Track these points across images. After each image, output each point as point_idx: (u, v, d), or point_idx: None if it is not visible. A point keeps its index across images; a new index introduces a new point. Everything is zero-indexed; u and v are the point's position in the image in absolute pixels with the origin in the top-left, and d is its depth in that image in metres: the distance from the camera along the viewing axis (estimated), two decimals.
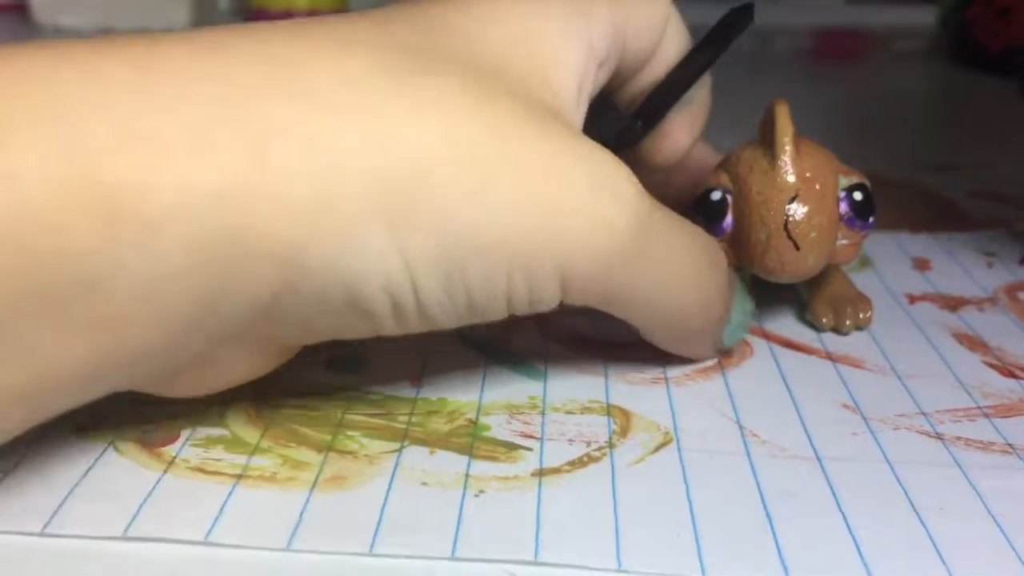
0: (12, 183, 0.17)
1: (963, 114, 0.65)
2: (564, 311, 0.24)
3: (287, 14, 0.85)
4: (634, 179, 0.23)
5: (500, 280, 0.21)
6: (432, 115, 0.20)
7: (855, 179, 0.29)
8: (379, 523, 0.21)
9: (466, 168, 0.20)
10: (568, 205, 0.21)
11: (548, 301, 0.22)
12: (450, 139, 0.20)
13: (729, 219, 0.28)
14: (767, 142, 0.28)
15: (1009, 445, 0.24)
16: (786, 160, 0.28)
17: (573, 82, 0.24)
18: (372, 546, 0.20)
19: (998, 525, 0.21)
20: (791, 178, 0.28)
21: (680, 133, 0.29)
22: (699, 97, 0.29)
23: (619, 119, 0.29)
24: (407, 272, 0.20)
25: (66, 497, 0.21)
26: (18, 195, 0.17)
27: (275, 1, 0.84)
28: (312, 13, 0.84)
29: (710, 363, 0.28)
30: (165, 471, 0.22)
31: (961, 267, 0.36)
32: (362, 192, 0.19)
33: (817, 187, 0.28)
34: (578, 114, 0.24)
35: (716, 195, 0.29)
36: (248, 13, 0.88)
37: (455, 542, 0.20)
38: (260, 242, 0.19)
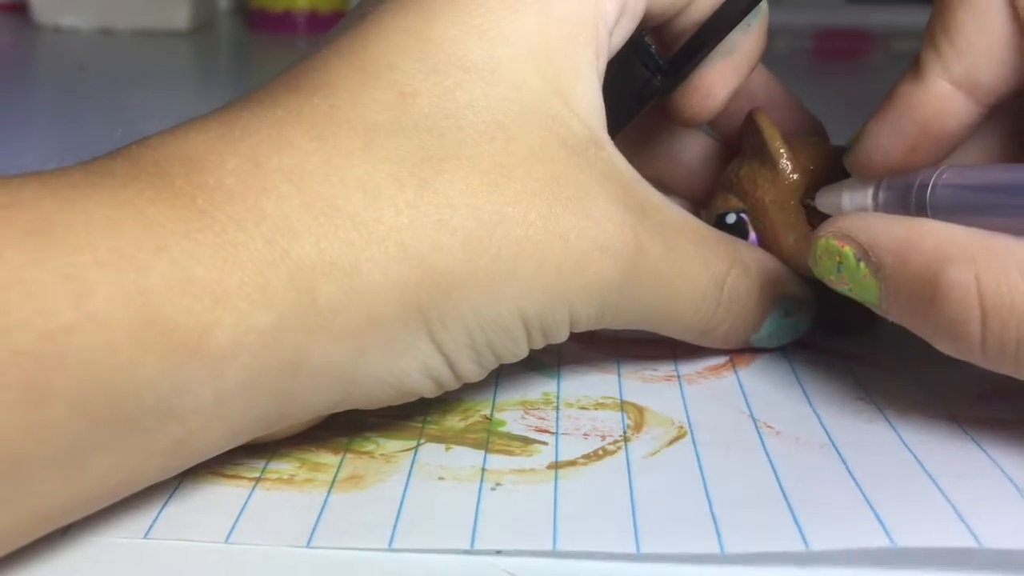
0: (99, 326, 0.18)
1: None
2: None
3: (287, 14, 0.85)
4: (627, 214, 0.23)
5: (522, 339, 0.23)
6: (447, 220, 0.21)
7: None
8: (397, 518, 0.21)
9: (485, 266, 0.21)
10: (569, 266, 0.22)
11: (560, 339, 0.23)
12: (467, 243, 0.21)
13: (753, 236, 0.29)
14: (759, 152, 0.28)
15: None
16: (785, 162, 0.28)
17: (590, 80, 0.23)
18: (391, 541, 0.20)
19: (1016, 486, 0.21)
20: (796, 175, 0.28)
21: (715, 85, 0.27)
22: (744, 44, 0.27)
23: (646, 68, 0.27)
24: (444, 359, 0.22)
25: None
26: (105, 338, 0.18)
27: (275, 1, 0.85)
28: (312, 15, 0.85)
29: (722, 361, 0.28)
30: (184, 475, 0.22)
31: None
32: (399, 308, 0.21)
33: (824, 173, 0.28)
34: (597, 103, 0.24)
35: (731, 218, 0.29)
36: (249, 14, 0.88)
37: (473, 534, 0.20)
38: (316, 367, 0.20)
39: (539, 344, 0.23)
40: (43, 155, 0.51)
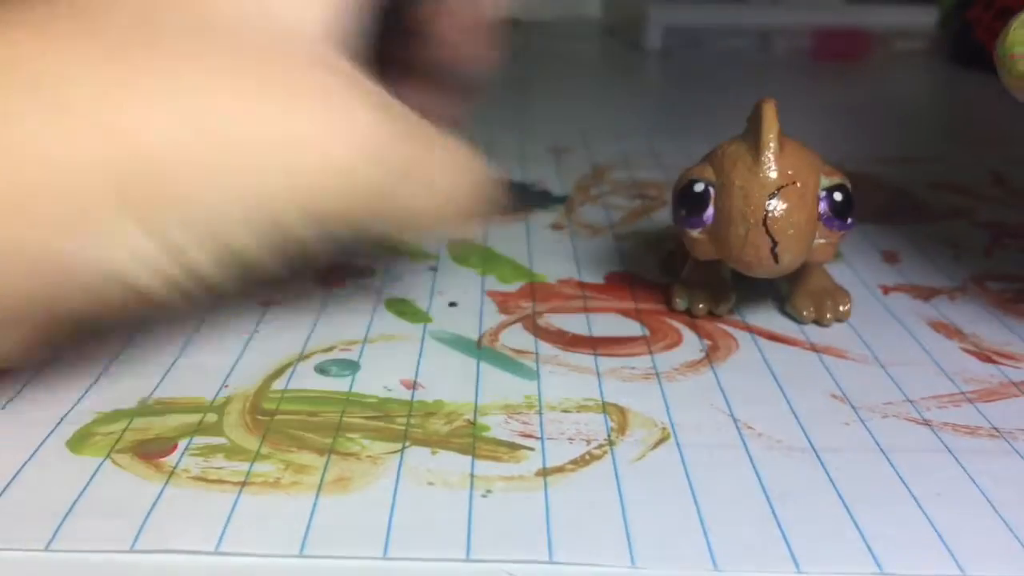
0: None
1: (964, 113, 0.67)
2: None
3: None
4: (375, 110, 0.23)
5: (254, 232, 0.22)
6: (162, 102, 0.21)
7: (836, 179, 0.29)
8: (390, 525, 0.21)
9: (204, 154, 0.21)
10: (307, 157, 0.22)
11: (303, 235, 0.23)
12: (184, 128, 0.21)
13: (710, 211, 0.29)
14: (753, 139, 0.28)
15: (996, 429, 0.25)
16: (769, 156, 0.28)
17: None
18: (386, 550, 0.20)
19: (994, 508, 0.22)
20: (773, 175, 0.28)
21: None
22: None
23: None
24: (164, 248, 0.21)
25: (67, 513, 0.21)
26: None
27: None
28: None
29: (699, 357, 0.29)
30: (166, 482, 0.22)
31: (928, 257, 0.37)
32: (105, 190, 0.20)
33: (798, 185, 0.28)
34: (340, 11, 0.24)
35: (699, 187, 0.29)
36: None
37: (468, 544, 0.20)
38: (13, 250, 0.20)
39: (284, 242, 0.23)
40: None
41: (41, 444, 0.23)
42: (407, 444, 0.24)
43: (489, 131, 0.54)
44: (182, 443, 0.24)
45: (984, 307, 0.33)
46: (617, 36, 0.91)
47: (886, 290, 0.34)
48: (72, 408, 0.25)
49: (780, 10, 0.84)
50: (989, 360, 0.29)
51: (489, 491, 0.22)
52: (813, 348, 0.29)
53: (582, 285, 0.34)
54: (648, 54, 0.82)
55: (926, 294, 0.34)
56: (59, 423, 0.24)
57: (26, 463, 0.23)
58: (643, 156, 0.51)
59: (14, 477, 0.22)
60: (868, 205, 0.42)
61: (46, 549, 0.20)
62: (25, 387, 0.26)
